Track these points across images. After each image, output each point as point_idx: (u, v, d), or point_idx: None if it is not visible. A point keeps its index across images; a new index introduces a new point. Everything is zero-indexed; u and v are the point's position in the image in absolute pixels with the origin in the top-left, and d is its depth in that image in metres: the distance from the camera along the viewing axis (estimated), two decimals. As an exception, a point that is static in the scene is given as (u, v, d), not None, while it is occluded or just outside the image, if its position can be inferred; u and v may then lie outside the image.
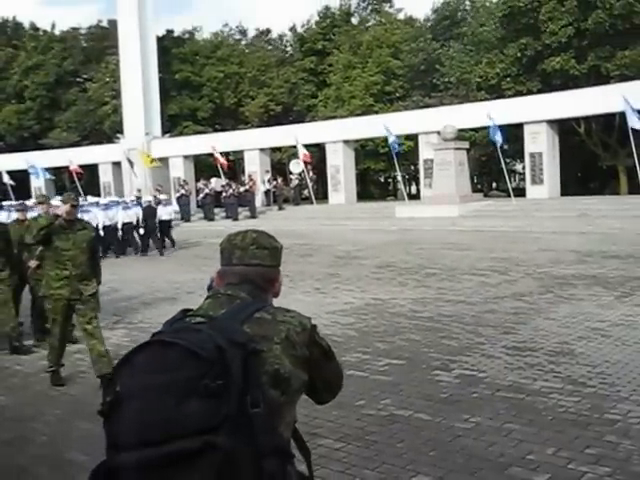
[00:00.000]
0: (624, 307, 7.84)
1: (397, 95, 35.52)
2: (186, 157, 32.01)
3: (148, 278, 12.55)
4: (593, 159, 30.63)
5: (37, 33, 43.08)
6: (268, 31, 45.99)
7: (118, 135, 33.48)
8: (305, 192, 31.49)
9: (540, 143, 23.50)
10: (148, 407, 1.38)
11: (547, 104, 23.05)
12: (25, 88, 40.19)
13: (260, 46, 43.70)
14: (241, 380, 1.41)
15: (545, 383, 5.20)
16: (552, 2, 26.60)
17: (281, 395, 1.58)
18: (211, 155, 29.04)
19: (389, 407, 4.84)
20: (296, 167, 28.80)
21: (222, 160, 28.50)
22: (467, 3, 37.30)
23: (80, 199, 18.27)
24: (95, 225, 12.56)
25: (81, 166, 30.90)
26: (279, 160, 35.96)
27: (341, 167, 28.30)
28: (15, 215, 9.31)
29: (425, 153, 25.66)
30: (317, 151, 33.20)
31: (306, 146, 27.84)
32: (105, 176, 33.77)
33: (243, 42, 45.54)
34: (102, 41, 40.79)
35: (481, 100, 27.52)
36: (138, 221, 18.01)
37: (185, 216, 26.60)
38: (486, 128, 23.52)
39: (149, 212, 17.94)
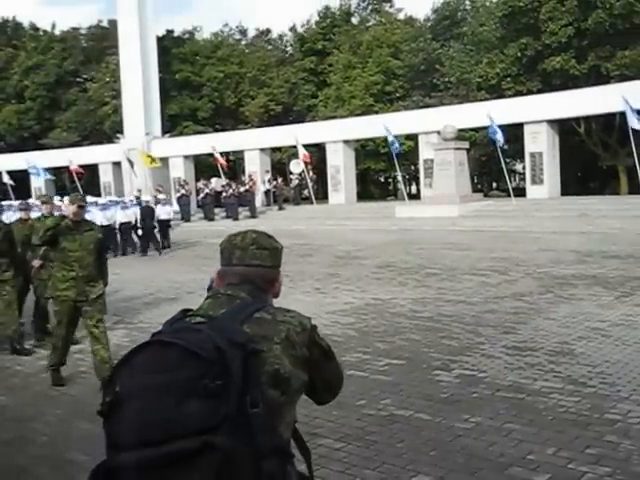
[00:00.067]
0: (624, 307, 7.84)
1: (397, 95, 35.52)
2: (186, 157, 32.02)
3: (148, 278, 12.56)
4: (593, 159, 30.63)
5: (37, 33, 43.12)
6: (268, 31, 46.05)
7: (118, 135, 33.50)
8: (305, 192, 31.49)
9: (540, 143, 23.51)
10: (148, 407, 1.38)
11: (547, 104, 23.06)
12: (25, 88, 40.21)
13: (260, 46, 43.71)
14: (240, 380, 1.41)
15: (545, 383, 5.20)
16: (552, 2, 26.60)
17: (281, 395, 1.58)
18: (211, 155, 29.05)
19: (389, 407, 4.84)
20: (296, 167, 28.81)
21: (222, 160, 28.51)
22: (467, 3, 37.31)
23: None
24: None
25: (81, 166, 30.91)
26: (279, 160, 35.97)
27: (341, 167, 28.31)
28: (18, 215, 9.25)
29: (425, 153, 25.67)
30: (317, 151, 33.21)
31: (306, 146, 27.86)
32: (105, 176, 33.80)
33: (243, 42, 45.56)
34: (102, 41, 40.81)
35: (481, 100, 27.53)
36: (136, 221, 18.05)
37: (185, 216, 26.61)
38: (486, 128, 23.52)
39: (147, 212, 17.96)
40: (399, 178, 34.47)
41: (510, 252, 13.28)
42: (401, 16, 41.69)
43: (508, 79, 29.08)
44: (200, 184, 28.74)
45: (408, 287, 10.05)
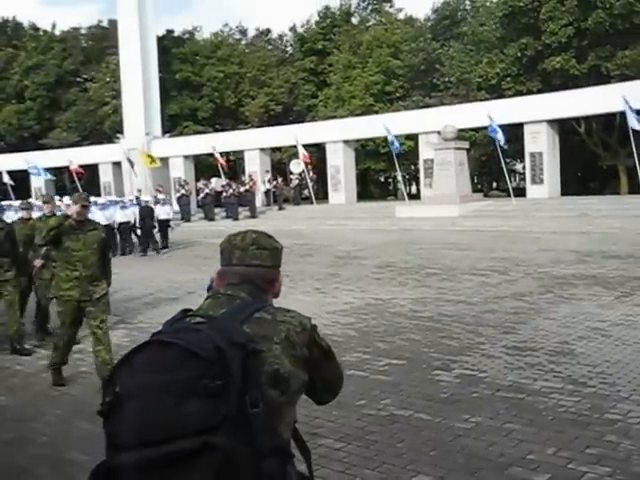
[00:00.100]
0: (624, 307, 7.84)
1: (397, 95, 35.53)
2: (186, 157, 32.03)
3: (148, 278, 12.56)
4: (593, 159, 30.63)
5: (37, 33, 43.12)
6: (268, 31, 46.05)
7: (118, 135, 33.50)
8: (305, 192, 31.50)
9: (540, 143, 23.51)
10: (148, 407, 1.37)
11: (547, 104, 23.06)
12: (25, 88, 40.22)
13: (260, 46, 43.71)
14: (240, 380, 1.41)
15: (545, 383, 5.20)
16: (552, 2, 26.60)
17: (281, 395, 1.58)
18: (211, 155, 29.06)
19: (389, 407, 4.84)
20: (296, 167, 28.82)
21: (222, 160, 28.52)
22: (467, 3, 37.33)
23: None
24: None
25: (81, 166, 30.91)
26: (279, 160, 35.98)
27: (341, 167, 28.32)
28: (18, 214, 9.22)
29: (425, 153, 25.67)
30: (317, 151, 33.22)
31: (306, 146, 27.85)
32: (105, 176, 33.81)
33: (243, 42, 45.56)
34: (102, 41, 40.82)
35: (481, 100, 27.54)
36: (136, 221, 18.06)
37: (185, 216, 26.62)
38: (486, 128, 23.52)
39: (146, 212, 17.98)
40: (399, 178, 34.48)
41: (510, 252, 13.28)
42: (401, 16, 41.76)
43: (508, 79, 29.08)
44: (200, 184, 28.74)
45: (408, 287, 10.05)
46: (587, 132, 28.78)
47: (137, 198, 20.86)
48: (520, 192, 26.57)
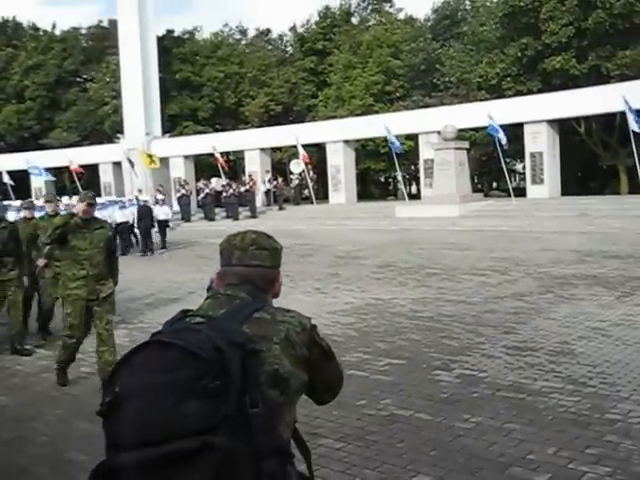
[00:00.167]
0: (624, 307, 7.84)
1: (397, 95, 35.51)
2: (186, 157, 32.03)
3: (148, 278, 12.56)
4: (593, 159, 30.63)
5: (37, 33, 43.12)
6: (268, 31, 46.04)
7: (118, 135, 33.50)
8: (305, 192, 31.50)
9: (540, 143, 23.51)
10: (148, 407, 1.38)
11: (547, 104, 23.06)
12: (25, 88, 40.21)
13: (260, 46, 43.71)
14: (240, 380, 1.41)
15: (545, 383, 5.20)
16: (552, 2, 26.60)
17: (280, 395, 1.57)
18: (211, 155, 29.06)
19: (389, 407, 4.84)
20: (296, 167, 28.82)
21: (222, 160, 28.52)
22: (467, 3, 37.32)
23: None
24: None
25: (81, 166, 30.91)
26: (279, 160, 35.98)
27: (341, 167, 28.31)
28: (19, 214, 9.21)
29: (425, 153, 25.67)
30: (317, 151, 33.22)
31: (306, 146, 27.84)
32: (105, 176, 33.81)
33: (243, 42, 45.54)
34: (102, 41, 40.82)
35: (481, 100, 27.54)
36: (134, 221, 18.10)
37: (185, 216, 26.63)
38: (486, 128, 23.52)
39: (144, 212, 17.99)
40: (399, 178, 34.48)
41: (510, 252, 13.28)
42: (401, 16, 41.73)
43: (508, 79, 29.08)
44: (200, 184, 28.75)
45: (408, 287, 10.05)
46: (587, 132, 28.77)
47: (136, 198, 20.88)
48: (520, 192, 26.57)
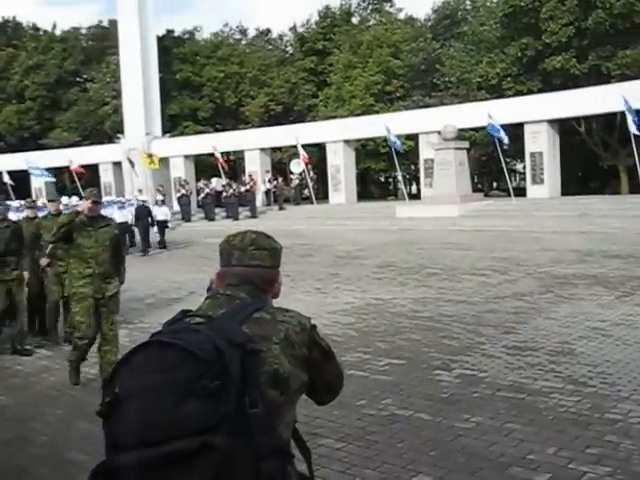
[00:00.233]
0: (624, 307, 7.84)
1: (397, 95, 35.50)
2: (187, 157, 32.02)
3: (149, 278, 12.55)
4: (594, 159, 30.62)
5: (37, 33, 43.11)
6: (268, 31, 46.03)
7: (119, 135, 33.50)
8: (305, 192, 31.48)
9: (541, 143, 23.49)
10: (147, 407, 1.38)
11: (547, 104, 23.04)
12: (26, 88, 40.20)
13: (260, 46, 43.70)
14: (239, 380, 1.41)
15: (546, 383, 5.20)
16: (553, 1, 26.58)
17: (280, 395, 1.57)
18: (211, 155, 29.05)
19: (390, 407, 4.84)
20: (297, 167, 28.80)
21: (222, 160, 28.52)
22: (467, 3, 37.31)
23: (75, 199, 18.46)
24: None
25: (82, 166, 30.91)
26: (279, 160, 35.97)
27: (341, 167, 28.30)
28: (20, 214, 9.22)
29: (425, 153, 25.65)
30: (317, 151, 33.21)
31: (306, 146, 27.82)
32: (106, 176, 33.80)
33: (243, 42, 45.53)
34: (102, 41, 40.82)
35: (481, 100, 27.51)
36: (132, 221, 18.15)
37: (186, 216, 26.63)
38: (485, 128, 23.50)
39: (142, 212, 18.00)
40: (399, 178, 34.47)
41: (510, 252, 13.27)
42: (401, 16, 41.69)
43: (508, 79, 29.06)
44: (200, 184, 28.73)
45: (408, 287, 10.05)
46: (587, 132, 28.76)
47: (136, 198, 20.90)
48: (520, 192, 26.56)
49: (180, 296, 10.24)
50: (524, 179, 31.19)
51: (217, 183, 28.13)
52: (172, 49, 38.56)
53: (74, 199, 18.70)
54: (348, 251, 15.02)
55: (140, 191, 23.72)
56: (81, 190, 28.27)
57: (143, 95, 32.01)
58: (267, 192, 29.34)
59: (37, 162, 30.78)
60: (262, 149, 30.20)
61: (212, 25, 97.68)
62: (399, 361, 6.03)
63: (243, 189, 26.78)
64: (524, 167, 29.68)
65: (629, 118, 19.52)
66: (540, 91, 26.58)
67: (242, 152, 31.56)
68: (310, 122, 32.95)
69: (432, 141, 24.84)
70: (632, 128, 19.46)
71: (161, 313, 8.60)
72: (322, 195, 32.14)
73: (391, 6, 42.58)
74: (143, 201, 18.85)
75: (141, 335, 7.22)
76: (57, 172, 35.56)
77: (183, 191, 27.23)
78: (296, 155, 28.89)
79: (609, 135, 28.39)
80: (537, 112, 23.07)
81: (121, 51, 33.00)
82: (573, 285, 9.42)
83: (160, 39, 35.75)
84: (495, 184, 40.49)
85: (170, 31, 40.99)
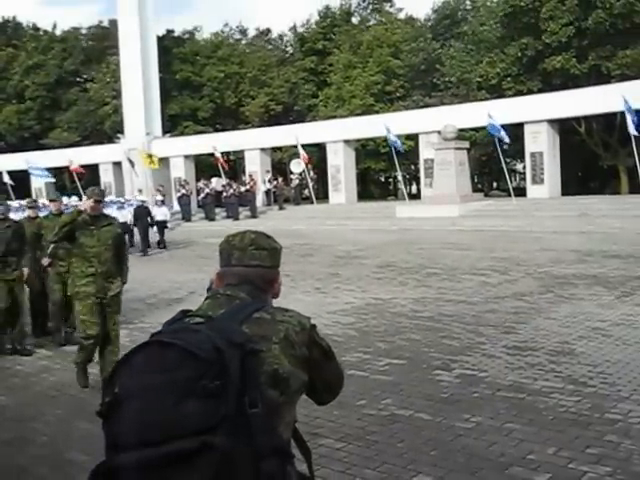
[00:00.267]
0: (625, 307, 7.84)
1: (397, 95, 35.50)
2: (187, 157, 32.02)
3: (149, 278, 12.54)
4: (594, 159, 30.62)
5: (38, 33, 43.11)
6: (268, 31, 46.04)
7: (119, 135, 33.49)
8: (306, 192, 31.49)
9: (541, 143, 23.49)
10: (147, 407, 1.38)
11: (548, 104, 23.04)
12: (26, 88, 40.20)
13: (260, 46, 43.70)
14: (239, 380, 1.41)
15: (546, 383, 5.20)
16: (553, 1, 26.58)
17: (280, 395, 1.57)
18: (212, 155, 29.05)
19: (390, 407, 4.84)
20: (297, 167, 28.80)
21: (222, 160, 28.52)
22: (467, 2, 37.32)
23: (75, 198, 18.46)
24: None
25: (82, 166, 30.90)
26: (280, 160, 35.97)
27: (342, 167, 28.30)
28: (21, 214, 9.23)
29: (425, 153, 25.65)
30: (317, 151, 33.21)
31: (306, 146, 27.81)
32: (106, 176, 33.79)
33: (243, 42, 45.53)
34: (103, 41, 40.82)
35: (482, 100, 27.52)
36: (131, 221, 18.17)
37: (186, 216, 26.63)
38: (486, 127, 23.50)
39: (141, 212, 18.00)
40: (399, 178, 34.46)
41: (510, 252, 13.27)
42: (401, 16, 41.70)
43: (508, 79, 29.06)
44: (200, 184, 28.73)
45: (408, 287, 10.04)
46: (587, 132, 28.76)
47: (135, 198, 20.91)
48: (520, 192, 26.56)
49: (180, 296, 10.24)
50: (524, 179, 31.19)
51: (217, 183, 28.13)
52: (172, 49, 38.57)
53: (74, 199, 18.69)
54: (348, 251, 15.02)
55: (140, 191, 23.72)
56: (81, 190, 28.32)
57: (143, 95, 32.00)
58: (267, 192, 29.33)
59: (37, 162, 30.78)
60: (262, 149, 30.20)
61: (212, 25, 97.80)
62: (399, 361, 6.03)
63: (243, 189, 26.77)
64: (524, 167, 29.68)
65: (628, 118, 19.52)
66: (540, 91, 26.58)
67: (242, 152, 31.57)
68: (310, 122, 32.96)
69: (432, 141, 24.84)
70: (631, 129, 19.46)
71: (161, 313, 8.59)
72: (322, 195, 32.13)
73: (391, 6, 42.62)
74: (142, 201, 18.86)
75: (141, 335, 7.22)
76: (57, 172, 35.54)
77: (183, 191, 27.23)
78: (296, 155, 28.89)
79: (609, 135, 28.39)
80: (537, 112, 23.07)
81: (121, 51, 33.00)
82: (573, 285, 9.42)
83: (160, 39, 35.75)
84: (495, 184, 40.50)
85: (170, 31, 41.01)
